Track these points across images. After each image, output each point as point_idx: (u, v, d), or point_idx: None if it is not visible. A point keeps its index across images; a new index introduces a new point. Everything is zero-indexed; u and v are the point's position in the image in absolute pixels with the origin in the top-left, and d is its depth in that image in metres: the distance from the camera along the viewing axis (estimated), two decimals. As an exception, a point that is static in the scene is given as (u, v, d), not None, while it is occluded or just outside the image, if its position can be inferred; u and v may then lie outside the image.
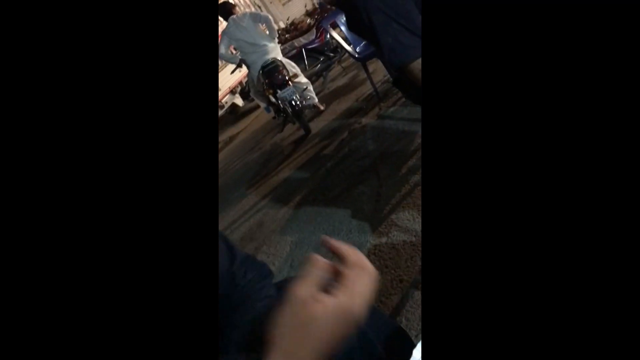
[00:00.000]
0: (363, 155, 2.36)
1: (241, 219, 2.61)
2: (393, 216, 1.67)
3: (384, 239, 1.58)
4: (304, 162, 2.84)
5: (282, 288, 0.50)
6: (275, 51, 3.25)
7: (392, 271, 1.42)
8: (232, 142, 4.87)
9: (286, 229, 2.14)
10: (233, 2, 3.46)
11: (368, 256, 1.54)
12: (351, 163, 2.37)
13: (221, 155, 4.56)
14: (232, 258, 0.48)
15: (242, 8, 5.82)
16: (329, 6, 4.55)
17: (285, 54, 3.76)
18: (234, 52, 3.31)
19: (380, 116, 2.74)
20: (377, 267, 1.46)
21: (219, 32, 3.20)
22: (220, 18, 3.26)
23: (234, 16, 3.15)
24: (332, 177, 2.36)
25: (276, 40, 3.32)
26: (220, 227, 2.67)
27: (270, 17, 3.26)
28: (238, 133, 5.03)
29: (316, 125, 3.35)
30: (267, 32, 3.22)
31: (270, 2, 9.81)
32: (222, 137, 5.24)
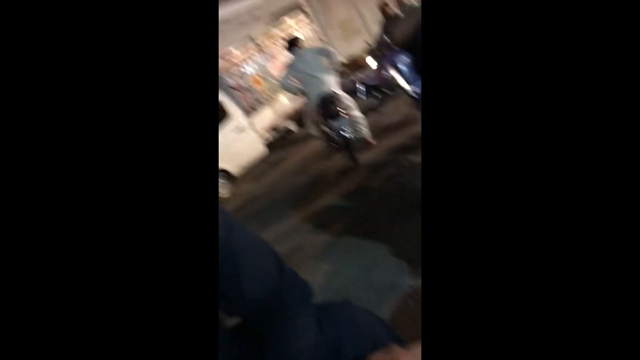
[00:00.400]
0: (409, 192, 2.34)
1: (281, 240, 2.66)
2: (435, 260, 1.61)
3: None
4: (349, 191, 2.87)
5: (319, 310, 0.50)
6: (333, 84, 3.40)
7: (429, 317, 1.36)
8: (281, 163, 5.05)
9: (323, 257, 2.14)
10: (300, 37, 3.71)
11: (405, 299, 1.49)
12: (396, 199, 2.35)
13: (269, 176, 4.74)
14: (280, 270, 0.48)
15: (308, 42, 6.20)
16: (393, 46, 4.70)
17: (342, 87, 3.91)
18: (295, 81, 3.51)
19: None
20: (413, 312, 1.41)
21: (284, 65, 3.43)
22: (286, 51, 3.51)
23: (299, 50, 3.37)
24: (375, 210, 2.35)
25: (336, 73, 3.47)
26: (260, 245, 2.73)
27: (334, 51, 3.44)
28: (288, 156, 5.21)
29: (365, 158, 3.39)
30: (329, 66, 3.39)
31: (334, 37, 10.32)
32: (273, 158, 5.46)
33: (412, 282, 1.56)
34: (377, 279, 1.70)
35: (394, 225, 2.06)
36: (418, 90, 2.80)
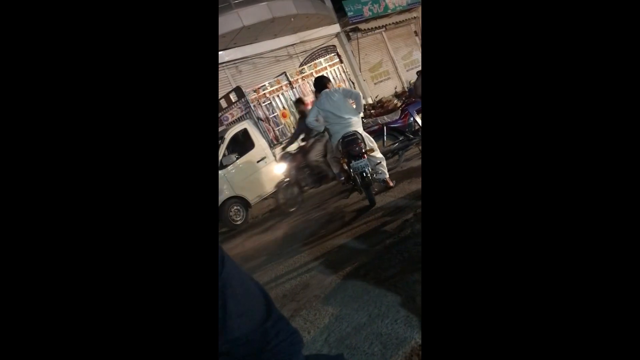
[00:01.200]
0: (425, 241, 2.26)
1: (288, 275, 2.60)
2: (447, 317, 1.52)
3: (432, 341, 1.43)
4: (363, 233, 2.81)
5: None
6: (357, 124, 3.46)
7: (435, 382, 1.26)
8: (298, 197, 5.07)
9: (330, 299, 2.07)
10: (329, 77, 3.86)
11: (410, 356, 1.39)
12: (412, 247, 2.27)
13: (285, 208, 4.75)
14: (268, 313, 0.48)
15: (336, 82, 6.43)
16: (419, 97, 4.80)
17: (366, 128, 3.97)
18: (320, 120, 3.60)
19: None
20: (419, 372, 1.31)
21: (311, 103, 3.55)
22: (314, 90, 3.65)
23: (327, 90, 3.48)
24: (388, 255, 2.28)
25: (361, 115, 3.54)
26: (267, 279, 2.69)
27: (360, 94, 3.53)
28: (307, 190, 5.24)
29: (382, 200, 3.35)
30: (355, 107, 3.47)
31: (364, 80, 10.67)
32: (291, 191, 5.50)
33: (420, 338, 1.47)
34: (383, 331, 1.61)
35: (407, 274, 1.98)
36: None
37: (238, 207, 4.83)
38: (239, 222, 4.78)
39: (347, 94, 3.49)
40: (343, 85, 6.31)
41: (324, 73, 6.32)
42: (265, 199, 5.28)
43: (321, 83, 3.59)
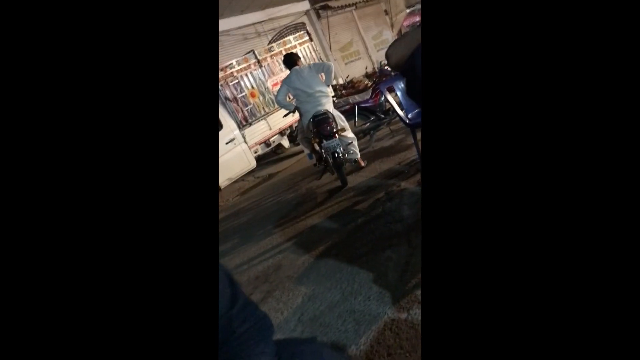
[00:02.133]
0: (396, 219, 2.29)
1: (261, 257, 2.56)
2: (418, 292, 1.54)
3: (403, 315, 1.46)
4: (335, 213, 2.81)
5: (281, 348, 0.45)
6: (328, 104, 3.40)
7: (407, 355, 1.28)
8: (270, 179, 4.99)
9: (302, 279, 2.06)
10: (298, 54, 3.73)
11: (383, 331, 1.41)
12: (383, 224, 2.30)
13: (257, 191, 4.66)
14: (233, 300, 0.45)
15: (307, 61, 6.28)
16: (390, 71, 4.77)
17: (338, 107, 3.92)
18: (290, 98, 3.50)
19: (420, 183, 2.69)
20: (391, 345, 1.33)
21: (281, 80, 3.42)
22: (283, 66, 3.52)
23: (297, 67, 3.37)
24: (360, 234, 2.29)
25: (331, 89, 3.47)
26: (238, 261, 2.64)
27: (332, 65, 3.43)
28: (278, 172, 5.16)
29: (354, 180, 3.35)
30: (325, 82, 3.39)
31: (335, 60, 10.53)
32: (262, 173, 5.40)
33: (392, 314, 1.49)
34: (356, 308, 1.62)
35: (378, 252, 2.00)
36: (410, 116, 2.81)
37: (207, 191, 4.69)
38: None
39: (318, 68, 3.39)
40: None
41: (293, 51, 6.15)
42: (236, 181, 5.16)
43: (290, 60, 3.47)
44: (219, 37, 8.04)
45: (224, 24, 8.03)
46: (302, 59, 4.63)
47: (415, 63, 1.12)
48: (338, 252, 2.19)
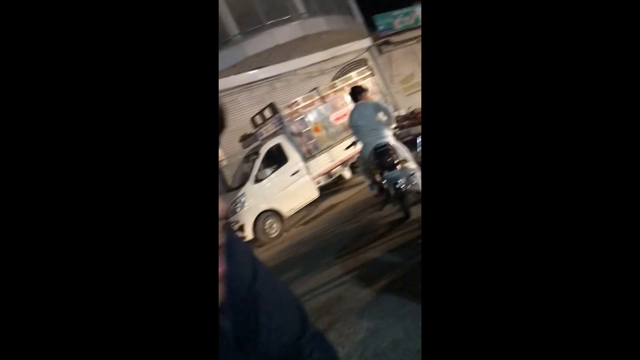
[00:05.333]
0: (464, 254, 2.16)
1: (322, 288, 2.58)
2: (490, 335, 1.43)
3: None
4: (398, 246, 2.74)
5: None
6: (389, 136, 3.42)
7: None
8: (331, 209, 5.06)
9: (365, 312, 2.02)
10: (364, 87, 3.84)
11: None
12: (449, 260, 2.18)
13: (318, 221, 4.75)
14: (303, 329, 0.45)
15: (370, 95, 6.44)
16: None
17: (400, 139, 3.91)
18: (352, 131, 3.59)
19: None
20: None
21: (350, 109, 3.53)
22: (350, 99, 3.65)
23: (361, 102, 3.49)
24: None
25: (392, 127, 3.50)
26: (301, 291, 2.68)
27: (391, 108, 3.49)
28: (339, 203, 5.22)
29: (417, 212, 3.26)
30: (385, 120, 3.44)
31: (396, 92, 10.61)
32: (324, 204, 5.51)
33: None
34: (420, 347, 1.54)
35: (444, 288, 1.90)
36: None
37: (272, 220, 4.90)
38: (273, 235, 4.84)
39: (378, 108, 3.47)
40: (375, 98, 6.31)
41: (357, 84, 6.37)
42: (299, 211, 5.32)
43: (356, 92, 3.60)
44: (286, 76, 8.68)
45: (290, 65, 8.68)
46: (366, 91, 4.70)
47: None
48: (402, 287, 2.12)
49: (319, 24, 8.06)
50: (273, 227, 4.90)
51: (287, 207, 5.08)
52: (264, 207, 4.84)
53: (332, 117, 6.17)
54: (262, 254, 4.37)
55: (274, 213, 4.94)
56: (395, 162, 3.23)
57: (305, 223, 4.93)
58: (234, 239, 0.42)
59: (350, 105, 3.66)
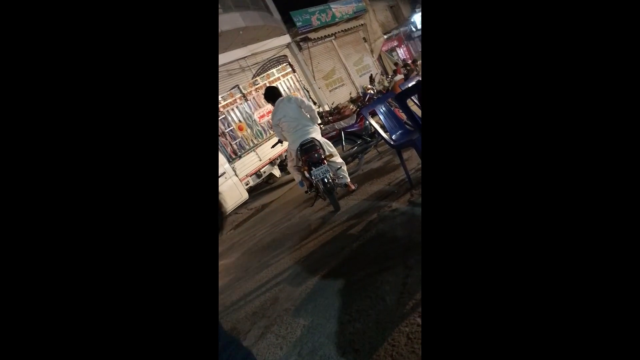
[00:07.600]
0: (390, 240, 2.28)
1: (257, 292, 2.51)
2: (416, 314, 1.52)
3: (403, 340, 1.42)
4: (330, 239, 2.79)
5: None
6: (315, 132, 3.46)
7: (410, 381, 1.24)
8: (263, 210, 4.97)
9: (301, 310, 2.01)
10: (277, 87, 3.84)
11: (384, 357, 1.38)
12: (377, 247, 2.28)
13: (251, 222, 4.62)
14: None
15: (291, 91, 6.43)
16: (373, 94, 4.92)
17: (325, 134, 3.99)
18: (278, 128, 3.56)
19: (411, 202, 2.70)
20: (393, 373, 1.30)
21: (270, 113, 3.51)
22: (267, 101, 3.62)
23: (282, 98, 3.47)
24: (356, 259, 2.27)
25: (317, 123, 3.55)
26: (235, 297, 2.58)
27: (313, 107, 3.55)
28: (271, 202, 5.15)
29: (346, 204, 3.36)
30: (307, 115, 3.48)
31: (319, 88, 10.80)
32: (255, 204, 5.38)
33: (392, 339, 1.46)
34: (355, 337, 1.58)
35: (375, 275, 1.98)
36: (394, 137, 2.87)
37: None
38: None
39: (301, 104, 3.49)
40: (297, 94, 6.33)
41: (277, 83, 6.31)
42: (229, 215, 5.12)
43: (273, 93, 3.57)
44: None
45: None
46: (287, 90, 4.65)
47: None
48: (335, 279, 2.16)
49: (234, 19, 7.79)
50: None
51: (216, 212, 4.85)
52: (190, 214, 4.55)
53: (255, 115, 6.03)
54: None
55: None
56: (322, 157, 3.28)
57: (236, 226, 4.76)
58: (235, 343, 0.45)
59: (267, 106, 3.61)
